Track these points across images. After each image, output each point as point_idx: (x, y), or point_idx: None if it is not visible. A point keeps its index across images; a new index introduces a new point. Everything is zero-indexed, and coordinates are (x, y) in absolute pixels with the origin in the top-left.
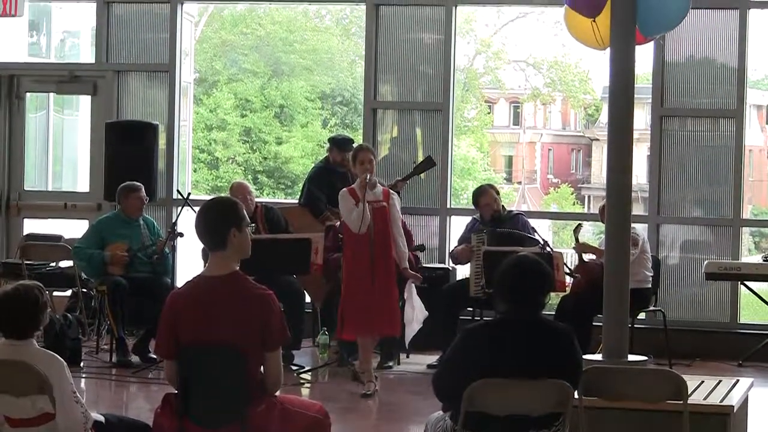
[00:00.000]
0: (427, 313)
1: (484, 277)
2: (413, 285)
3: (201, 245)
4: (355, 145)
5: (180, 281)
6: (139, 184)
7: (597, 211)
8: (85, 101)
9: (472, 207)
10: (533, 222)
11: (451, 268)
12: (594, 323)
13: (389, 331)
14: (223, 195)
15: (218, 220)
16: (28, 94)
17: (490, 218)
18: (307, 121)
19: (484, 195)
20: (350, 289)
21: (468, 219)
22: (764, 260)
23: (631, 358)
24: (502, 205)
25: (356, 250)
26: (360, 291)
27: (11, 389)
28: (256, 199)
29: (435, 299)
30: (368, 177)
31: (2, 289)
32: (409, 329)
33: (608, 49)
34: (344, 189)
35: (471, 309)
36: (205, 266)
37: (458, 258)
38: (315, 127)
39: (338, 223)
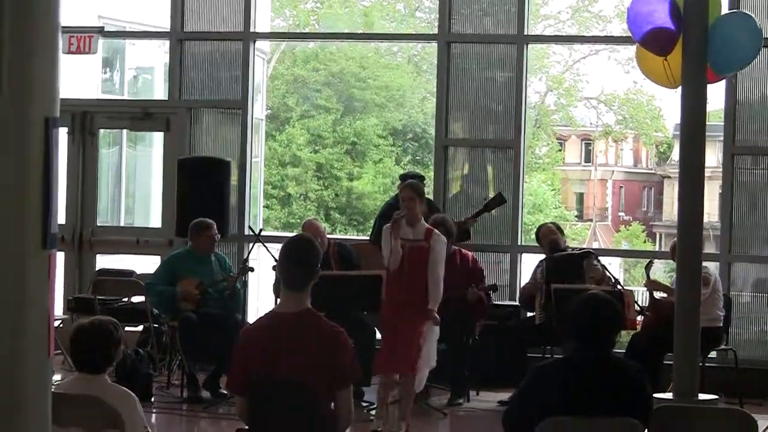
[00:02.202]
0: (434, 364)
1: (547, 305)
2: (434, 328)
3: (273, 281)
4: (425, 182)
5: (251, 317)
6: (211, 221)
7: (668, 249)
8: (157, 137)
9: None
10: (604, 260)
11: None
12: (665, 361)
13: (406, 370)
14: (303, 234)
15: (310, 262)
16: (101, 131)
17: (551, 252)
18: (379, 157)
19: (543, 228)
20: (383, 327)
21: (538, 257)
22: None
23: (702, 397)
24: (566, 244)
25: (390, 288)
26: (389, 329)
27: (84, 424)
28: (329, 236)
29: (504, 336)
30: (400, 213)
31: (78, 323)
32: (420, 374)
33: (680, 87)
34: (386, 224)
35: (541, 347)
36: (276, 301)
37: (524, 294)
38: (387, 164)
39: None
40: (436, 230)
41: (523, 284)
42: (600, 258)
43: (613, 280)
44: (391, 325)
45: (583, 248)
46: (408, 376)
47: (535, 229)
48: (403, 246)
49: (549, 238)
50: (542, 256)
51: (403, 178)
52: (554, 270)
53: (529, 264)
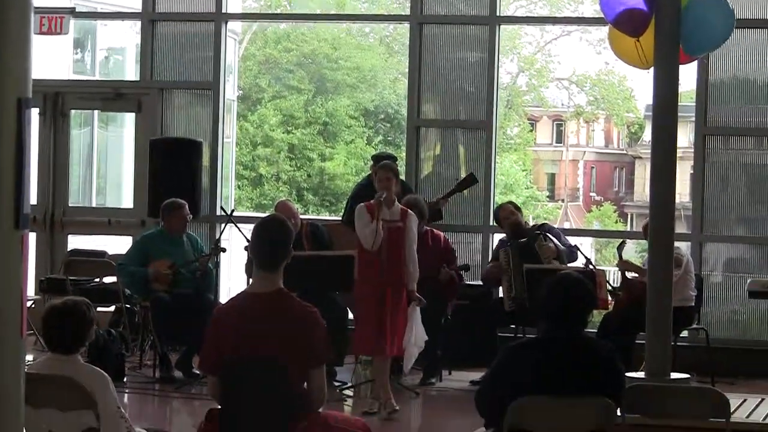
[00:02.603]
0: (426, 337)
1: (514, 290)
2: (417, 309)
3: (245, 261)
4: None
5: (223, 297)
6: (182, 201)
7: (639, 229)
8: (129, 118)
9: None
10: (576, 240)
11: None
12: (636, 341)
13: (396, 353)
14: (276, 214)
15: (283, 242)
16: (72, 111)
17: (513, 233)
18: (351, 138)
19: (501, 209)
20: (360, 308)
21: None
22: None
23: (674, 376)
24: (525, 221)
25: (367, 269)
26: (370, 311)
27: (57, 404)
28: (301, 216)
29: (476, 316)
30: (383, 195)
31: (51, 304)
32: (408, 353)
33: (652, 68)
34: (361, 204)
35: (513, 327)
36: (249, 282)
37: (489, 277)
38: (360, 144)
39: None
40: (410, 210)
41: (487, 265)
42: (549, 234)
43: (584, 260)
44: (372, 306)
45: (536, 225)
46: (387, 359)
47: None
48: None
49: (509, 219)
50: (502, 235)
51: (376, 158)
52: (520, 256)
53: None
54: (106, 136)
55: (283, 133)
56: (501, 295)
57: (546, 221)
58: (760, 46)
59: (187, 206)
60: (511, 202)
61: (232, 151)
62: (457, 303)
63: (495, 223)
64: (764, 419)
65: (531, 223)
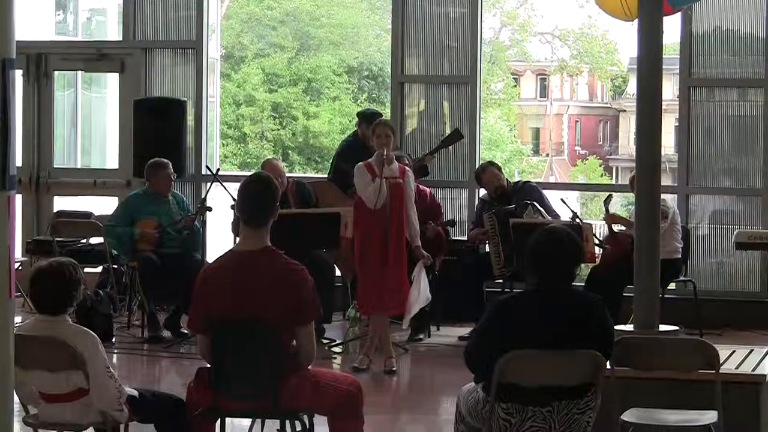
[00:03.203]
0: (430, 296)
1: (502, 256)
2: (423, 266)
3: (232, 220)
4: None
5: (210, 256)
6: (166, 161)
7: (625, 182)
8: (112, 79)
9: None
10: (561, 193)
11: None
12: (624, 294)
13: (400, 311)
14: (262, 171)
15: (269, 198)
16: (56, 73)
17: (496, 195)
18: (335, 95)
19: (485, 173)
20: (363, 266)
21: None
22: None
23: (662, 328)
24: (507, 179)
25: (369, 227)
26: (373, 269)
27: (45, 365)
28: (287, 174)
29: (464, 271)
30: (385, 152)
31: (37, 266)
32: (410, 311)
33: (636, 21)
34: (360, 163)
35: (501, 282)
36: (235, 240)
37: (474, 242)
38: (344, 102)
39: None
40: (406, 166)
41: (470, 227)
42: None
43: (571, 214)
44: (378, 264)
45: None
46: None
47: None
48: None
49: (494, 184)
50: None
51: (361, 115)
52: (504, 223)
53: None
54: (90, 97)
55: (266, 92)
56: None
57: (528, 181)
58: None
59: (170, 165)
60: (492, 163)
61: (216, 111)
62: (445, 259)
63: (477, 182)
64: (753, 370)
65: (515, 179)
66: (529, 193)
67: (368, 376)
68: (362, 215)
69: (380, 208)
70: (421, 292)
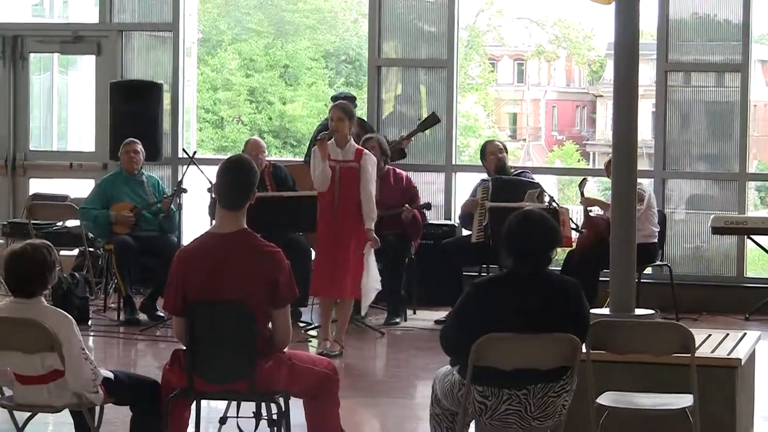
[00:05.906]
0: (380, 285)
1: (488, 227)
2: (372, 250)
3: (208, 203)
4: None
5: (186, 239)
6: (134, 138)
7: (601, 167)
8: (89, 61)
9: (478, 163)
10: (538, 178)
11: (456, 224)
12: (600, 278)
13: (348, 294)
14: (241, 154)
15: (248, 182)
16: (32, 55)
17: (496, 171)
18: (312, 80)
19: (490, 144)
20: (317, 249)
21: (474, 177)
22: None
23: (638, 312)
24: (510, 166)
25: (322, 209)
26: (322, 251)
27: (21, 347)
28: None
29: (440, 255)
30: (325, 134)
31: (11, 248)
32: (365, 296)
33: (613, 5)
34: (314, 147)
35: (478, 266)
36: (212, 223)
37: (464, 211)
38: (321, 87)
39: None
40: (365, 150)
41: (461, 203)
42: (534, 177)
43: (548, 199)
44: (326, 247)
45: (518, 167)
46: (346, 300)
47: (468, 149)
48: (333, 167)
49: (496, 156)
50: (483, 175)
51: (335, 99)
52: (498, 191)
53: (462, 183)
54: (66, 80)
55: (243, 77)
56: (470, 232)
57: (526, 171)
58: None
59: (138, 143)
60: (499, 141)
61: (193, 94)
62: (421, 242)
63: (480, 158)
64: (728, 354)
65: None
66: (529, 179)
67: (342, 360)
68: (320, 197)
69: (328, 191)
70: (370, 278)
